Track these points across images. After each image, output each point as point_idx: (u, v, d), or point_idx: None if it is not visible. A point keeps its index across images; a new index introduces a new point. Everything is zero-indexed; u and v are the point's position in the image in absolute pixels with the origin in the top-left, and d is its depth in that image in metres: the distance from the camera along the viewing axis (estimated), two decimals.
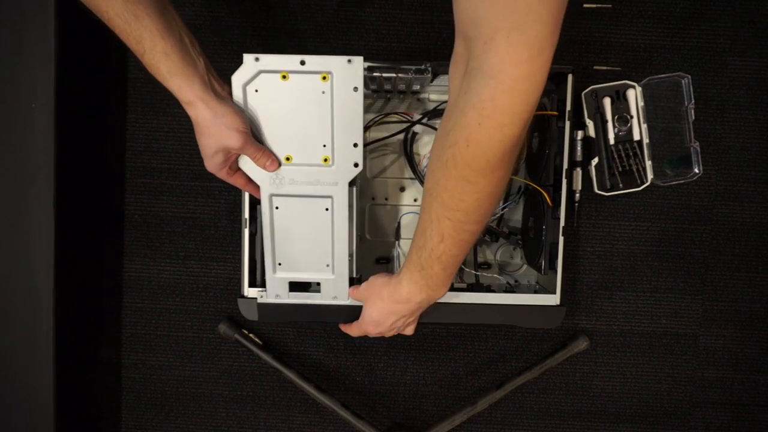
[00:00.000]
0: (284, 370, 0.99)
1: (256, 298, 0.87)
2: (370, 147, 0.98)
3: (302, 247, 0.82)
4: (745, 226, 1.04)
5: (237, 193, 1.02)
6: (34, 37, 0.86)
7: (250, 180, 0.79)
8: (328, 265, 0.83)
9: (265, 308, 0.86)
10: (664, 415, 1.07)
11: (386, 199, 1.00)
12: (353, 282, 0.85)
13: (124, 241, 1.04)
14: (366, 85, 0.85)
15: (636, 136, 0.96)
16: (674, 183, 1.01)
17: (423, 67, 0.85)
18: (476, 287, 0.94)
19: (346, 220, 0.81)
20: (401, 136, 0.96)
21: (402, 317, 0.79)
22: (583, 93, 0.96)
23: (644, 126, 0.96)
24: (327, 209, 0.80)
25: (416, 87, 0.92)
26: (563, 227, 0.88)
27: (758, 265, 1.05)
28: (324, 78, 0.75)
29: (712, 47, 1.01)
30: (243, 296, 0.88)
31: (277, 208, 0.80)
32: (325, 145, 0.77)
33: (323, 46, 0.99)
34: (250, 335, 1.02)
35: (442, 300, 0.86)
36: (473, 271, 0.97)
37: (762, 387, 1.07)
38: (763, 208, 1.03)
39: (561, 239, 0.88)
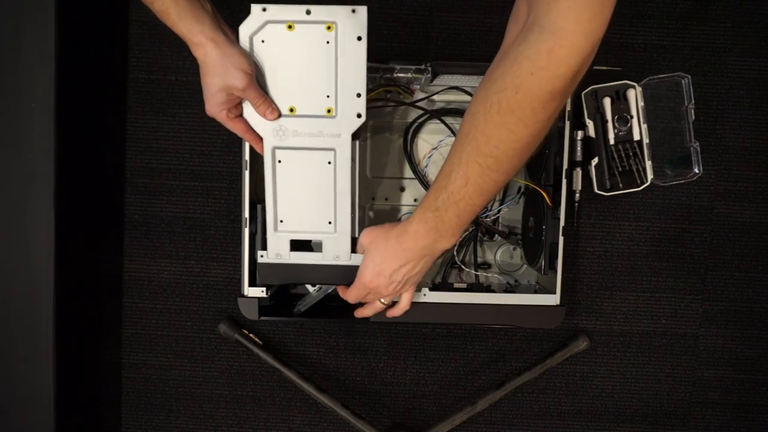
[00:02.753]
0: (284, 370, 0.99)
1: (256, 298, 0.87)
2: (371, 146, 0.98)
3: (304, 203, 0.82)
4: (745, 226, 1.04)
5: (237, 193, 1.02)
6: (34, 37, 0.86)
7: (249, 128, 0.79)
8: (330, 222, 0.82)
9: (265, 269, 0.84)
10: (664, 415, 1.07)
11: (386, 199, 1.00)
12: (355, 242, 0.83)
13: (124, 241, 1.04)
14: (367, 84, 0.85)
15: (636, 136, 0.96)
16: (674, 183, 1.01)
17: (423, 67, 0.85)
18: (476, 287, 0.94)
19: (349, 174, 0.80)
20: (402, 120, 0.97)
21: (405, 264, 0.77)
22: (583, 93, 0.96)
23: (644, 126, 0.96)
24: (330, 162, 0.80)
25: (416, 87, 0.92)
26: (563, 227, 0.88)
27: (758, 265, 1.05)
28: (329, 28, 0.76)
29: (712, 47, 1.01)
30: (243, 296, 0.88)
31: (279, 161, 0.80)
32: (328, 96, 0.78)
33: None
34: (250, 335, 1.02)
35: (443, 300, 0.87)
36: (473, 271, 0.97)
37: (762, 387, 1.07)
38: (763, 208, 1.04)
39: (561, 239, 0.88)
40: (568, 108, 0.87)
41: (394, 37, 1.00)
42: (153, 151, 1.02)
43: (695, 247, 1.04)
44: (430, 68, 0.85)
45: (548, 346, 1.05)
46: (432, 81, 0.89)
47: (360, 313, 0.85)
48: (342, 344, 1.06)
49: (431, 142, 0.98)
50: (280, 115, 0.78)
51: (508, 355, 1.06)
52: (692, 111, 0.98)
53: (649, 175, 0.97)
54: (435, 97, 0.95)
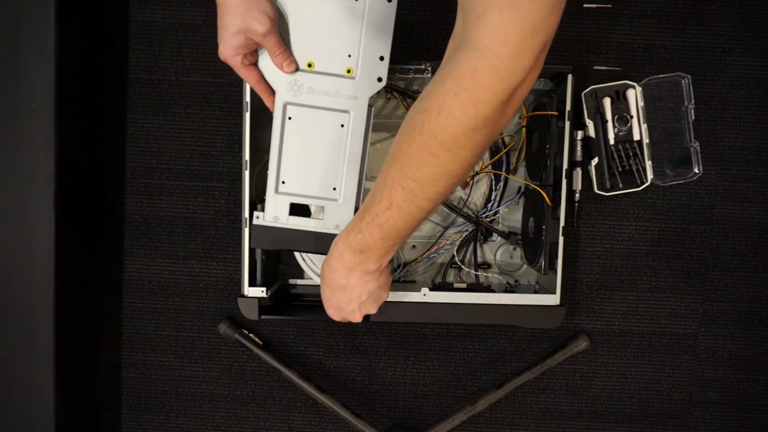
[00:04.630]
0: (284, 370, 0.99)
1: (256, 298, 0.87)
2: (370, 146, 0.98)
3: (311, 165, 0.78)
4: (745, 226, 1.04)
5: (237, 193, 1.02)
6: (34, 36, 0.86)
7: (261, 79, 0.75)
8: (335, 189, 0.79)
9: (260, 231, 0.80)
10: (664, 415, 1.07)
11: None
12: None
13: (124, 241, 1.04)
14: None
15: (636, 136, 0.96)
16: (674, 183, 1.01)
17: (423, 67, 0.85)
18: (476, 287, 0.94)
19: (362, 140, 0.78)
20: (402, 120, 0.95)
21: (346, 289, 0.73)
22: (583, 93, 0.96)
23: (644, 126, 0.96)
24: (342, 125, 0.77)
25: (416, 87, 0.92)
26: (563, 227, 0.88)
27: (758, 265, 1.05)
28: None
29: (712, 47, 1.01)
30: (243, 296, 0.88)
31: (290, 118, 0.77)
32: (350, 55, 0.75)
33: None
34: (250, 335, 1.02)
35: (443, 300, 0.87)
36: (473, 271, 0.97)
37: (762, 387, 1.07)
38: (763, 208, 1.03)
39: (561, 239, 0.88)
40: (569, 108, 0.87)
41: (394, 37, 0.99)
42: (153, 151, 1.02)
43: (695, 247, 1.04)
44: (430, 68, 0.85)
45: (548, 346, 1.05)
46: None
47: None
48: (342, 344, 1.06)
49: None
50: (297, 69, 0.75)
51: (508, 355, 1.06)
52: (692, 111, 0.98)
53: (649, 175, 0.97)
54: None
